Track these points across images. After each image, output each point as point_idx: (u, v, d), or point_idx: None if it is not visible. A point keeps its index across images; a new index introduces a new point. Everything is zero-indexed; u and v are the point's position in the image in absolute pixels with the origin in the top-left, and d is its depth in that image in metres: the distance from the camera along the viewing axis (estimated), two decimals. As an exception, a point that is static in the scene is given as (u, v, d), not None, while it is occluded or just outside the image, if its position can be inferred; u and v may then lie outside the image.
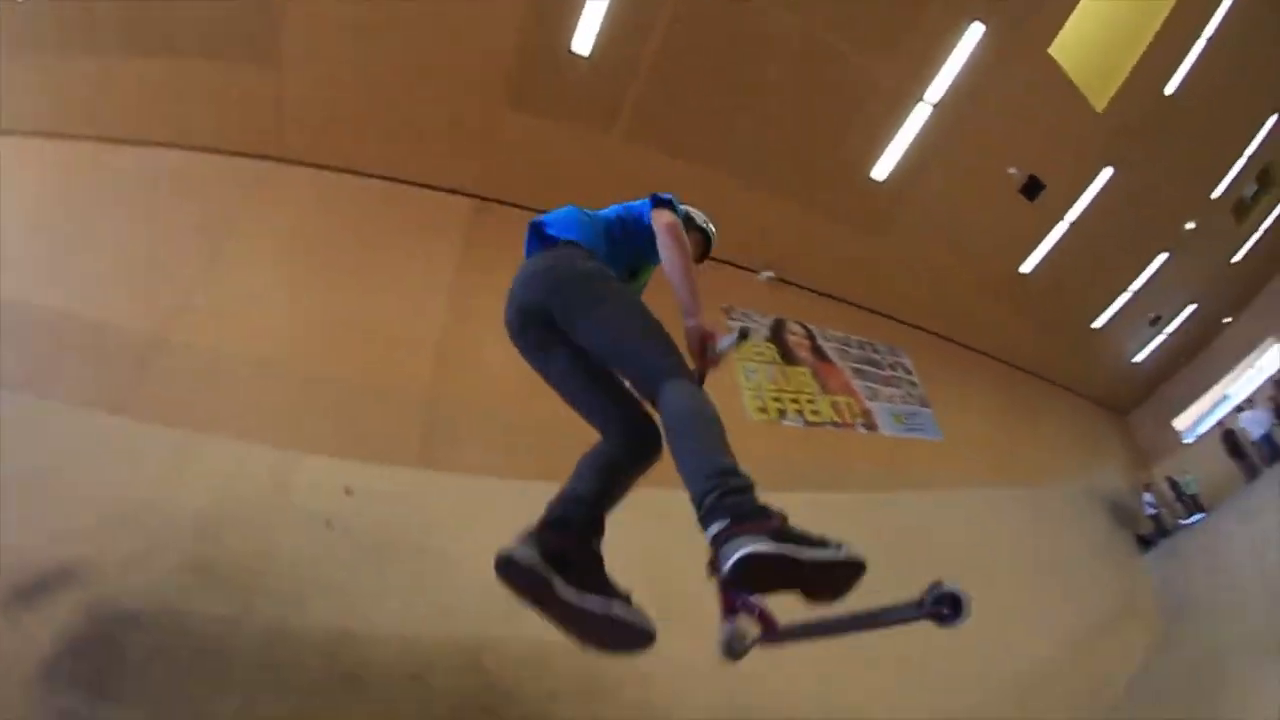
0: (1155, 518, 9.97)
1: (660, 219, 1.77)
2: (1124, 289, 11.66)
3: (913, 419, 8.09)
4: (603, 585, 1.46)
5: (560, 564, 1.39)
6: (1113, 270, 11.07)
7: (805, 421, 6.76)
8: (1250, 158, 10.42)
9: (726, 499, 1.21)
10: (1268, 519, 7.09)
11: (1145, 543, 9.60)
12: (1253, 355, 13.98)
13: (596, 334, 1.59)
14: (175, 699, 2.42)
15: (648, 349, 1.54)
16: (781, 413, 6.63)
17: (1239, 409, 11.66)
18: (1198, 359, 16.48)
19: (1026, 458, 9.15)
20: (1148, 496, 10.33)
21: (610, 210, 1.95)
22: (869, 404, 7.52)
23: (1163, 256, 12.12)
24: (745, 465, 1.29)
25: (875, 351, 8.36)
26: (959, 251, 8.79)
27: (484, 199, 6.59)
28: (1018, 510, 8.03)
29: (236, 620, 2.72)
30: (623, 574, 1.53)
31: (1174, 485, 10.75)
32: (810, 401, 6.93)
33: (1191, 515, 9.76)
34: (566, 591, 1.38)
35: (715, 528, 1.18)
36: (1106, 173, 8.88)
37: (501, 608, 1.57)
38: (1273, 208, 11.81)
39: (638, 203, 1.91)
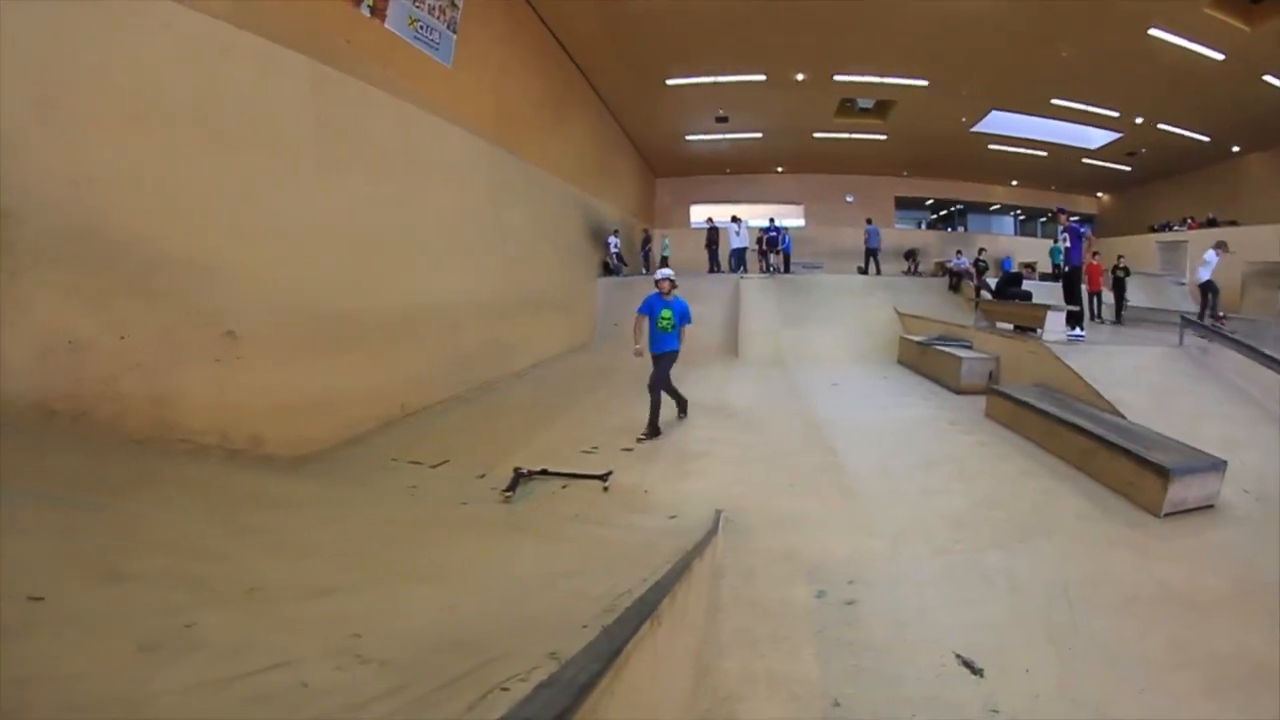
0: (618, 256, 12.50)
1: None
2: (715, 73, 12.54)
3: (429, 32, 7.05)
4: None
5: None
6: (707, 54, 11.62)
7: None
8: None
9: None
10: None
11: (608, 269, 12.68)
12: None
13: None
14: None
15: None
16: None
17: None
18: (728, 176, 20.46)
19: (521, 127, 9.31)
20: (615, 239, 12.70)
21: None
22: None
23: (760, 76, 13.37)
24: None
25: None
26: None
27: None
28: (498, 163, 8.25)
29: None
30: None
31: (645, 240, 13.64)
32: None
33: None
34: None
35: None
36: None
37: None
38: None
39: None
